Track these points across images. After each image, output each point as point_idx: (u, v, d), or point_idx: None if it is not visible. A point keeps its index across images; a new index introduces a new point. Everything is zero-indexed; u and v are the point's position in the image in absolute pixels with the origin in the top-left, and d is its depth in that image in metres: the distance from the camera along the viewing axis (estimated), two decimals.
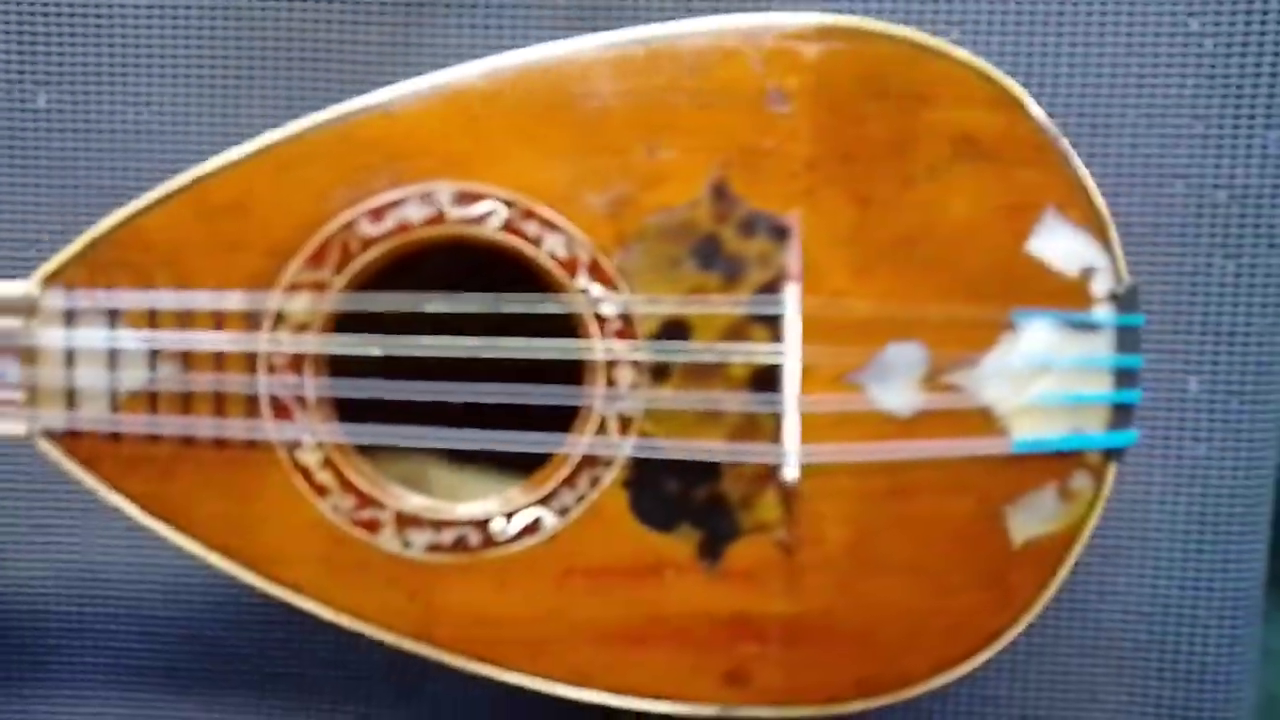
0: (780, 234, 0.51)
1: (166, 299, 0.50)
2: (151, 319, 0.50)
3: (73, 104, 0.71)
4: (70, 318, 0.50)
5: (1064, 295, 0.53)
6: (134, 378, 0.50)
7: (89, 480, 0.51)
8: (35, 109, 0.71)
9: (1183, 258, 0.70)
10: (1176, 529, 0.72)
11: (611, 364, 0.51)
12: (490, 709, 0.73)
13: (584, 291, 0.51)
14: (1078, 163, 0.53)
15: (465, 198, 0.50)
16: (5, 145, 0.72)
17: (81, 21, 0.71)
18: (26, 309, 0.49)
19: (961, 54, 0.52)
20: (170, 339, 0.50)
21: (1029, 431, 0.53)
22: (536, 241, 0.50)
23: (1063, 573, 0.55)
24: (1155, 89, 0.69)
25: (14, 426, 0.50)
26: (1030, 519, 0.54)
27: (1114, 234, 0.54)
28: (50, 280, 0.50)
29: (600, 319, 0.51)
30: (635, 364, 0.51)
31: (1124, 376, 0.54)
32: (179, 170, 0.70)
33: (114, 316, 0.50)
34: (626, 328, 0.51)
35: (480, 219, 0.50)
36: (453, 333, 0.51)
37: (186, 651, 0.74)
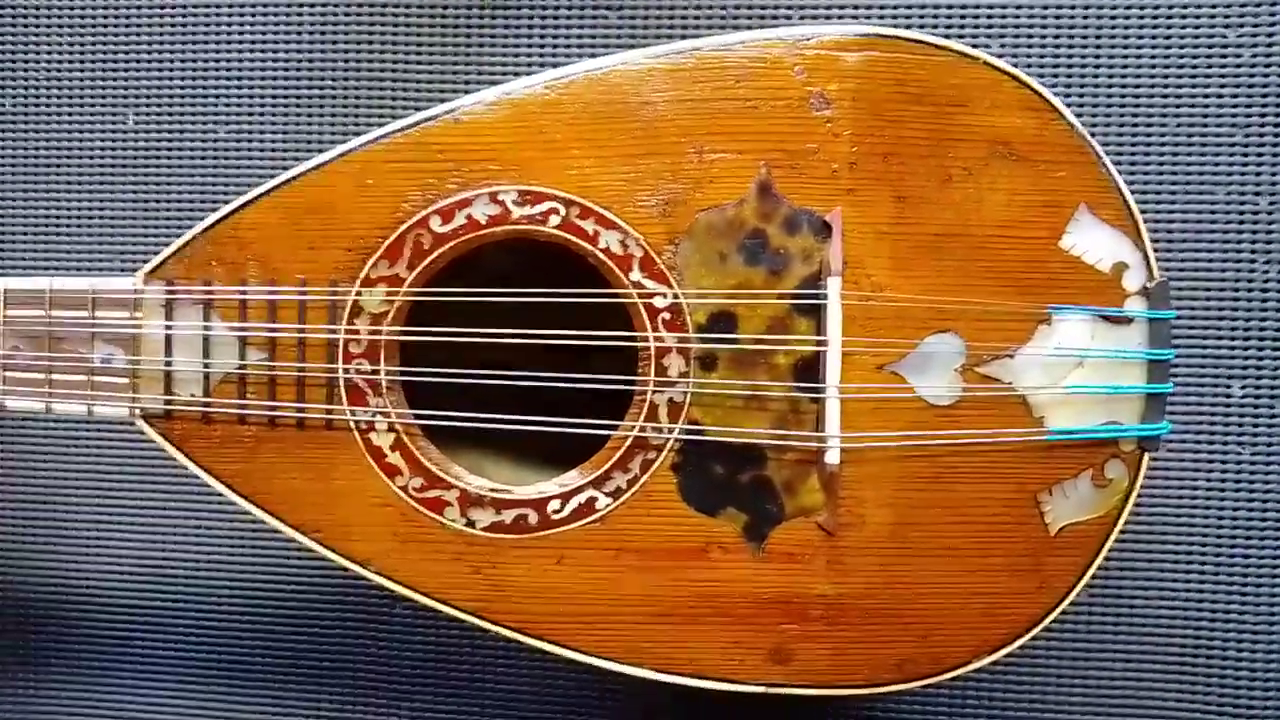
0: (823, 230, 0.54)
1: (254, 292, 0.54)
2: (242, 310, 0.54)
3: (158, 124, 0.77)
4: (169, 309, 0.54)
5: (1097, 290, 0.55)
6: (225, 364, 0.54)
7: (181, 459, 0.55)
8: (125, 129, 0.77)
9: (1224, 264, 0.72)
10: (1223, 534, 0.72)
11: (662, 353, 0.54)
12: (533, 706, 0.76)
13: (637, 285, 0.54)
14: (1108, 163, 0.55)
15: (528, 198, 0.54)
16: (99, 162, 0.78)
17: (167, 46, 0.77)
18: (132, 302, 0.54)
19: (996, 61, 0.55)
20: (258, 328, 0.54)
21: (1064, 421, 0.55)
22: (593, 238, 0.54)
23: (1099, 559, 0.56)
24: (1195, 99, 0.71)
25: (118, 409, 0.54)
26: (1067, 506, 0.56)
27: (1145, 231, 0.56)
28: (152, 275, 0.55)
29: (651, 310, 0.54)
30: (684, 353, 0.54)
31: (1156, 369, 0.56)
32: (254, 184, 0.75)
33: (208, 308, 0.54)
34: (676, 319, 0.54)
35: (542, 217, 0.54)
36: (515, 324, 0.55)
37: (248, 646, 0.78)
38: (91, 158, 0.78)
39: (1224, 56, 0.72)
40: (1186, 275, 0.72)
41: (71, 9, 0.78)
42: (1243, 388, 0.72)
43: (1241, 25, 0.71)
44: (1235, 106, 0.72)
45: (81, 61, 0.78)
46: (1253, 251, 0.72)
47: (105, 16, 0.77)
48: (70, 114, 0.78)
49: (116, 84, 0.77)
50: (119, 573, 0.79)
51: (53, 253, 0.79)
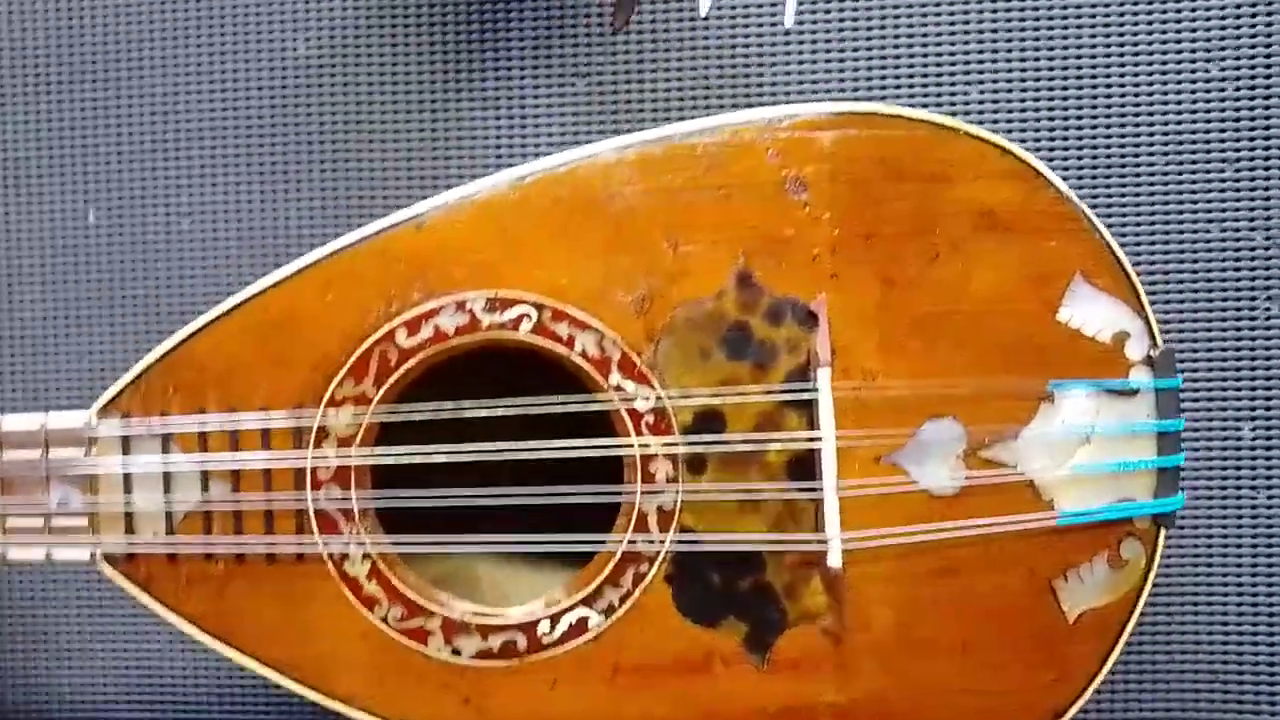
0: (808, 319, 0.52)
1: (215, 421, 0.51)
2: (203, 441, 0.51)
3: (120, 218, 0.75)
4: (126, 444, 0.52)
5: (1099, 362, 0.53)
6: (188, 499, 0.51)
7: (147, 601, 0.52)
8: (86, 224, 0.75)
9: (1224, 303, 0.70)
10: (1243, 581, 0.70)
11: (647, 459, 0.51)
12: None
13: (617, 388, 0.51)
14: (1102, 228, 0.53)
15: (497, 304, 0.51)
16: (61, 260, 0.75)
17: (126, 138, 0.74)
18: (86, 440, 0.51)
19: (977, 130, 0.52)
20: (220, 460, 0.51)
21: (1074, 502, 0.53)
22: (568, 342, 0.51)
23: (1122, 643, 0.54)
24: (1182, 138, 0.69)
25: (78, 553, 0.52)
26: (1083, 591, 0.53)
27: (1144, 297, 0.53)
28: (106, 409, 0.52)
29: (634, 415, 0.51)
30: (671, 458, 0.51)
31: (1167, 440, 0.53)
32: (220, 277, 0.73)
33: (167, 441, 0.52)
34: (660, 422, 0.51)
35: (513, 323, 0.51)
36: (492, 436, 0.52)
37: None
38: (54, 260, 0.76)
39: (1208, 92, 0.70)
40: (1185, 317, 0.70)
41: (27, 100, 0.76)
42: (1253, 429, 0.70)
43: (1224, 58, 0.70)
44: (1224, 142, 0.70)
45: (39, 155, 0.76)
46: (1253, 288, 0.70)
47: (63, 108, 0.75)
48: (28, 210, 0.76)
49: (74, 175, 0.75)
50: (105, 683, 0.75)
51: (16, 362, 0.76)
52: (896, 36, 0.70)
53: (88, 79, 0.75)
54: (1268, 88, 0.69)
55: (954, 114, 0.70)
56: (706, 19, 0.71)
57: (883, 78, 0.70)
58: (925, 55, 0.70)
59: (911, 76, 0.70)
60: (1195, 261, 0.70)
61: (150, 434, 0.51)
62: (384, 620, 0.51)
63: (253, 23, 0.74)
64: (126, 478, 0.51)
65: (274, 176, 0.74)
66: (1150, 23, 0.69)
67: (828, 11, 0.71)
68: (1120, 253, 0.53)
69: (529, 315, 0.51)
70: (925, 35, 0.70)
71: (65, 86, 0.75)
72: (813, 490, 0.51)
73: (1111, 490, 0.53)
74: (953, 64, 0.70)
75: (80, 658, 0.76)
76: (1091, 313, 0.53)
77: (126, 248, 0.75)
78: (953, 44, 0.70)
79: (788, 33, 0.70)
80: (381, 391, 0.51)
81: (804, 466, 0.51)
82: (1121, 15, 0.70)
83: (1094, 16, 0.70)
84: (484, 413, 0.51)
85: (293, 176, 0.74)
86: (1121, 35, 0.70)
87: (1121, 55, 0.70)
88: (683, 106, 0.71)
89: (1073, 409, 0.53)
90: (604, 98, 0.71)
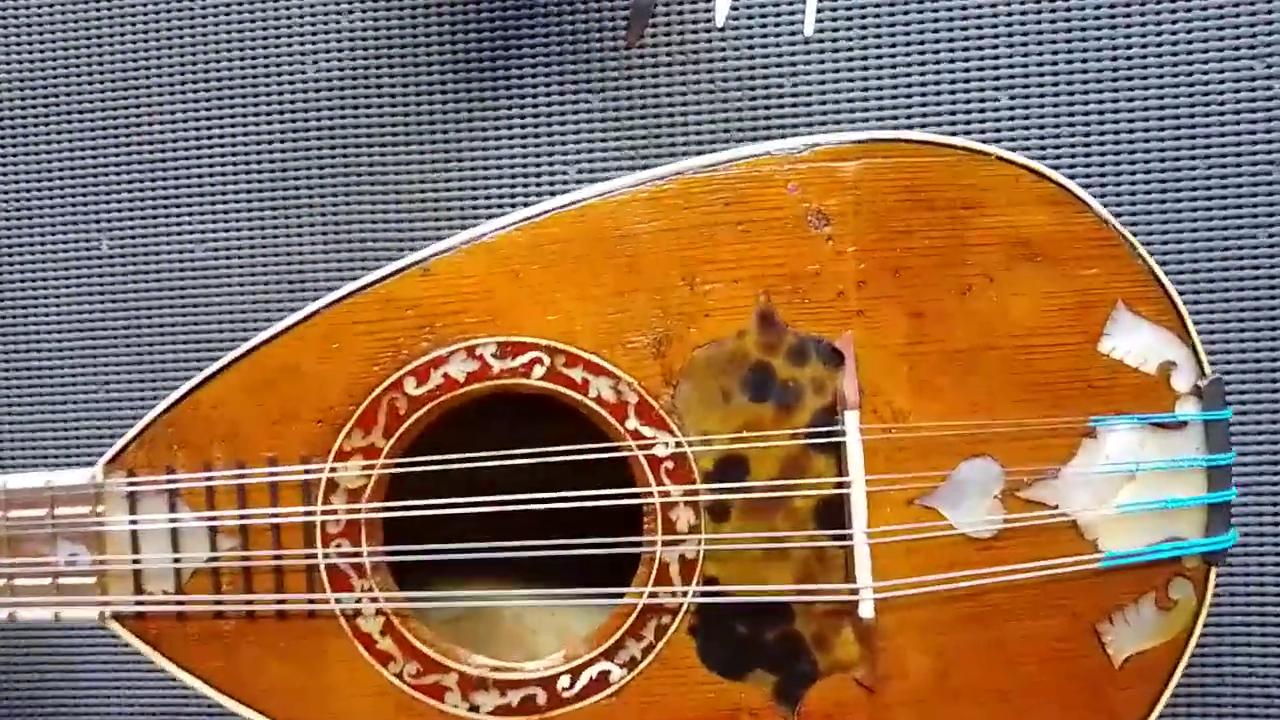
0: (834, 357, 0.49)
1: (221, 476, 0.50)
2: (210, 496, 0.50)
3: (133, 246, 0.73)
4: (133, 501, 0.50)
5: (1144, 395, 0.50)
6: (196, 556, 0.50)
7: (158, 660, 0.51)
8: (100, 255, 0.74)
9: (1273, 311, 0.66)
10: None
11: (668, 507, 0.49)
12: None
13: (635, 434, 0.49)
14: (1144, 252, 0.50)
15: (508, 350, 0.49)
16: (76, 290, 0.74)
17: (136, 168, 0.73)
18: (92, 496, 0.50)
19: (1009, 155, 0.50)
20: (228, 516, 0.50)
21: (1119, 543, 0.50)
22: (583, 387, 0.49)
23: (1173, 685, 0.51)
24: (1225, 139, 0.66)
25: (87, 612, 0.50)
26: (1129, 634, 0.50)
27: (1190, 325, 0.50)
28: (112, 465, 0.51)
29: (653, 461, 0.49)
30: (693, 506, 0.49)
31: (1217, 475, 0.50)
32: (231, 303, 0.72)
33: (174, 497, 0.50)
34: (681, 468, 0.49)
35: (525, 369, 0.49)
36: (505, 483, 0.50)
37: None
38: (72, 301, 0.75)
39: (1253, 91, 0.66)
40: (1231, 327, 0.66)
41: (39, 130, 0.75)
42: None
43: (1270, 55, 0.66)
44: (1270, 142, 0.66)
45: (50, 185, 0.75)
46: None
47: (74, 139, 0.74)
48: (41, 248, 0.75)
49: (87, 207, 0.74)
50: None
51: (42, 395, 0.75)
52: (922, 44, 0.67)
53: (98, 110, 0.74)
54: None
55: (985, 123, 0.67)
56: (723, 30, 0.68)
57: (909, 86, 0.67)
58: (954, 63, 0.67)
59: (939, 83, 0.67)
60: (1241, 274, 0.66)
61: (156, 490, 0.50)
62: (399, 676, 0.50)
63: (260, 55, 0.72)
64: (134, 535, 0.50)
65: (285, 201, 0.72)
66: (1190, 19, 0.66)
67: (849, 21, 0.68)
68: (1164, 278, 0.50)
69: (541, 360, 0.49)
70: (953, 42, 0.67)
71: (75, 117, 0.74)
72: (843, 537, 0.49)
73: (1159, 529, 0.50)
74: (981, 71, 0.67)
75: (99, 705, 0.75)
76: (1135, 342, 0.50)
77: (139, 275, 0.74)
78: (980, 51, 0.67)
79: (807, 42, 0.68)
80: (391, 442, 0.50)
81: (833, 512, 0.49)
82: (1159, 15, 0.66)
83: (1129, 18, 0.66)
84: (499, 463, 0.49)
85: (304, 201, 0.72)
86: (1159, 35, 0.66)
87: (1160, 56, 0.66)
88: (699, 125, 0.68)
89: (1116, 445, 0.50)
90: (619, 116, 0.69)
